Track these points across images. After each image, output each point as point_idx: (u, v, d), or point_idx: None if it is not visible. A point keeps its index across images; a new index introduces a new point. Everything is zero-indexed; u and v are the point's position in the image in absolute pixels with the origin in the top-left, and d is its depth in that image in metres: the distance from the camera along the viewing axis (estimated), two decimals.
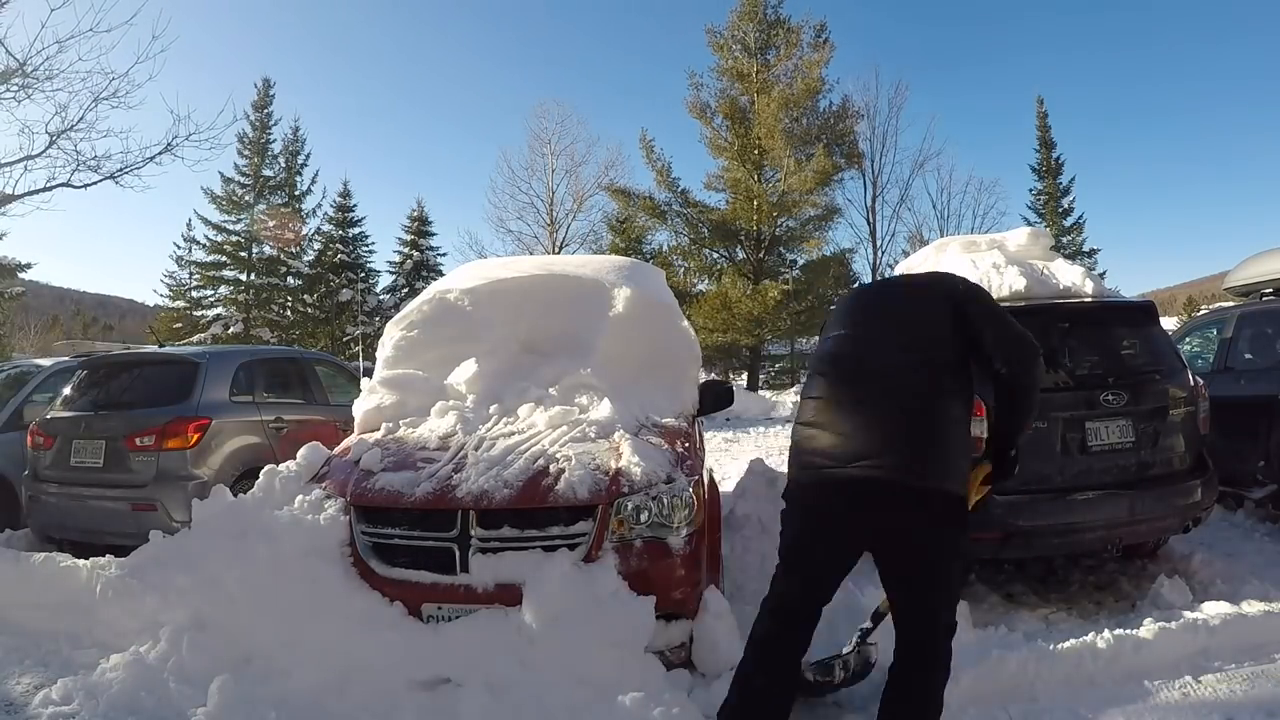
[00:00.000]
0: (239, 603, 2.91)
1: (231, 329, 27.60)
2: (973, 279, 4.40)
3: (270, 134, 29.41)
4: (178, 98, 36.43)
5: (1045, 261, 4.63)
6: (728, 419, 14.67)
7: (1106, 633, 3.02)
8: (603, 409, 3.48)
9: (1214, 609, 3.32)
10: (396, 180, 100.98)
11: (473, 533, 2.90)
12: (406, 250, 32.57)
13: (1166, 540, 4.43)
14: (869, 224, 26.83)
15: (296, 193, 29.79)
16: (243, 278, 28.74)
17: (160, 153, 8.96)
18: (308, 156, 30.33)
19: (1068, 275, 4.44)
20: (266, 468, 3.47)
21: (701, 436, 4.19)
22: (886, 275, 25.12)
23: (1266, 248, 5.95)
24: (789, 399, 18.11)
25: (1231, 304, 6.64)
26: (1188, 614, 3.29)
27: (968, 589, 4.07)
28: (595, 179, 27.21)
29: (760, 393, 20.57)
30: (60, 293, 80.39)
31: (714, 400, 4.04)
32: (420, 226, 32.95)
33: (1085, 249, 30.04)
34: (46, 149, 8.47)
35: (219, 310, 28.99)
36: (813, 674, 2.68)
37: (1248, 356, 5.45)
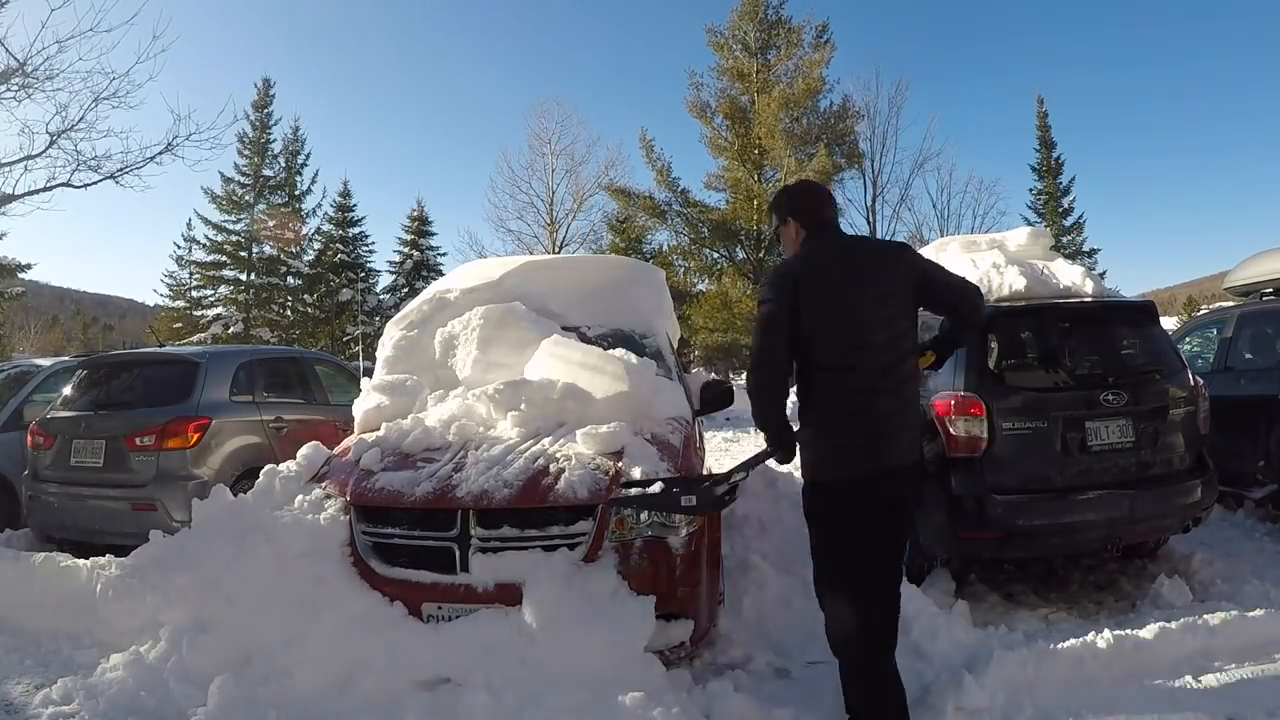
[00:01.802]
0: (239, 603, 2.91)
1: (231, 329, 27.58)
2: (973, 279, 4.45)
3: (270, 134, 29.39)
4: (178, 98, 36.22)
5: (1045, 261, 4.63)
6: (728, 419, 14.65)
7: (1106, 633, 3.02)
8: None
9: (1214, 609, 3.32)
10: (396, 180, 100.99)
11: (473, 532, 2.90)
12: (406, 250, 32.56)
13: (1166, 540, 4.42)
14: (869, 224, 26.78)
15: (296, 193, 29.77)
16: (243, 278, 28.72)
17: (160, 152, 8.92)
18: (308, 156, 30.34)
19: (1068, 275, 4.44)
20: (266, 468, 3.48)
21: (701, 436, 4.20)
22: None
23: (1266, 248, 5.95)
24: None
25: (1231, 304, 6.63)
26: (1188, 614, 3.28)
27: (968, 588, 4.08)
28: (595, 179, 27.19)
29: None
30: (60, 293, 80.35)
31: (714, 400, 4.05)
32: (420, 226, 32.94)
33: (1085, 249, 30.04)
34: (47, 149, 8.44)
35: (219, 310, 28.96)
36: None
37: (1248, 356, 5.45)
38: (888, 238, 27.04)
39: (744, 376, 2.67)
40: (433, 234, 33.11)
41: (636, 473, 3.00)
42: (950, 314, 2.60)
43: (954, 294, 2.48)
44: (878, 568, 2.35)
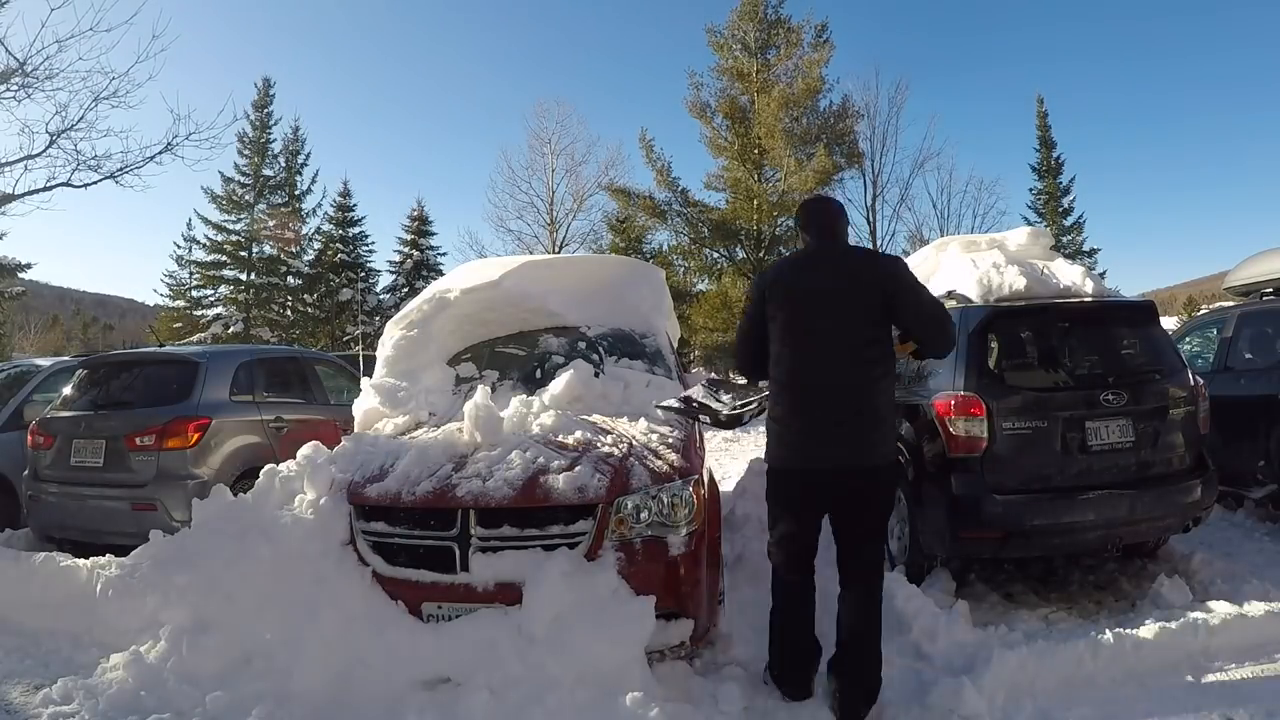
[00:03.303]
0: (239, 603, 2.91)
1: (231, 329, 27.58)
2: (973, 279, 4.46)
3: (270, 134, 29.36)
4: (178, 97, 36.15)
5: (1045, 261, 4.63)
6: None
7: (1106, 633, 3.02)
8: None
9: (1214, 608, 3.32)
10: (396, 180, 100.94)
11: (473, 531, 2.90)
12: (406, 250, 32.55)
13: (1166, 540, 4.43)
14: (869, 224, 26.75)
15: (296, 192, 29.76)
16: (243, 277, 28.71)
17: (160, 152, 8.90)
18: (308, 156, 30.31)
19: (1068, 275, 4.44)
20: (266, 468, 3.47)
21: (701, 436, 4.19)
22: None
23: (1266, 248, 5.95)
24: None
25: (1231, 304, 6.63)
26: (1188, 614, 3.28)
27: (968, 588, 4.07)
28: (595, 178, 27.12)
29: None
30: (60, 293, 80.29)
31: None
32: (420, 226, 32.92)
33: (1085, 249, 30.02)
34: (46, 149, 8.43)
35: (219, 310, 28.96)
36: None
37: (1248, 356, 5.45)
38: (887, 238, 27.10)
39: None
40: (433, 234, 33.09)
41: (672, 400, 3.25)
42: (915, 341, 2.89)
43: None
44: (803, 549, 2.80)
